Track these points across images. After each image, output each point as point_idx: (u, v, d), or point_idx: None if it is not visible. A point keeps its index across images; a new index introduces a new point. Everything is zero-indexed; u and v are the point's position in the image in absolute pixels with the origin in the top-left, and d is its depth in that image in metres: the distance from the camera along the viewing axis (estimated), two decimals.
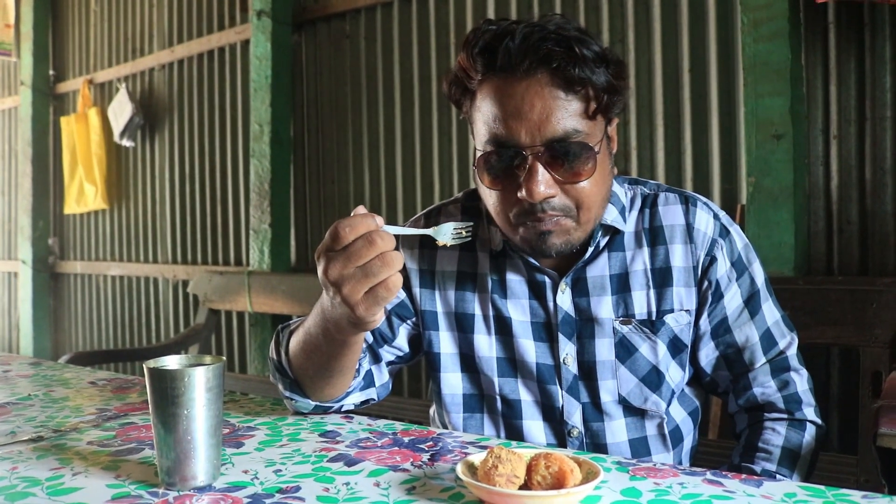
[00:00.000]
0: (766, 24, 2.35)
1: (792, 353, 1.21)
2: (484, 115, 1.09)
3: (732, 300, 1.19)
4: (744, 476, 0.89)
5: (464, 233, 0.94)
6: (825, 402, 2.44)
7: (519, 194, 1.07)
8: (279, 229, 3.93)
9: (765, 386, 1.20)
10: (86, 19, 5.37)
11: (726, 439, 2.22)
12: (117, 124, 4.78)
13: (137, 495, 0.86)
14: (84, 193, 5.16)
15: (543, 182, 1.05)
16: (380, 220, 0.88)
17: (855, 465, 2.02)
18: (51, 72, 5.62)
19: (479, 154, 1.12)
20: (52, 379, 1.59)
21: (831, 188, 2.44)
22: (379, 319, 0.93)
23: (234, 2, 4.26)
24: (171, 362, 0.93)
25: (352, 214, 0.89)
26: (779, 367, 1.20)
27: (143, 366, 0.90)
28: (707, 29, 2.69)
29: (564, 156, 1.06)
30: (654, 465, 0.94)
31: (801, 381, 1.20)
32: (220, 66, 4.37)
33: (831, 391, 2.44)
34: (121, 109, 4.77)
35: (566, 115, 1.05)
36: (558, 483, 0.80)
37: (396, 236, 0.91)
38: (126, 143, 4.81)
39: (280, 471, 0.94)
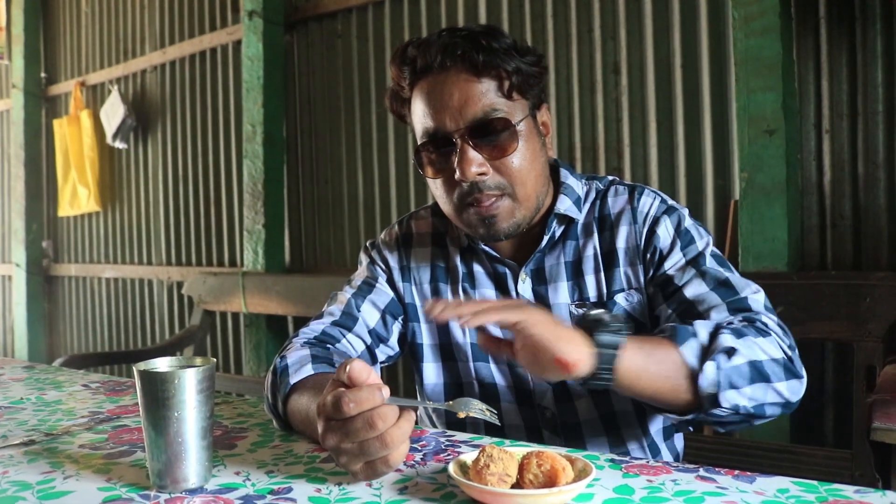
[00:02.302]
0: (758, 20, 2.35)
1: (757, 300, 1.11)
2: (417, 115, 1.20)
3: (676, 263, 1.17)
4: (736, 472, 0.88)
5: (487, 413, 0.94)
6: (819, 398, 2.45)
7: (455, 177, 1.14)
8: (273, 230, 3.93)
9: (726, 319, 1.07)
10: (77, 21, 5.35)
11: (721, 435, 2.22)
12: (110, 126, 4.77)
13: (129, 498, 0.85)
14: (77, 196, 5.15)
15: (474, 161, 1.13)
16: (386, 391, 0.85)
17: (849, 459, 2.03)
18: (42, 74, 5.61)
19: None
20: (45, 382, 1.58)
21: (824, 183, 2.44)
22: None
23: (226, 2, 4.25)
24: (161, 364, 0.92)
25: (348, 370, 0.85)
26: (740, 307, 1.09)
27: (133, 368, 0.89)
28: (698, 25, 2.69)
29: (488, 133, 1.14)
30: (647, 461, 0.94)
31: (771, 321, 1.07)
32: (212, 67, 4.36)
33: (825, 386, 2.45)
34: (113, 111, 4.76)
35: (482, 96, 1.14)
36: (550, 481, 0.80)
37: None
38: (119, 144, 4.80)
39: (272, 472, 0.93)
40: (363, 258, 1.40)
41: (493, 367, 1.27)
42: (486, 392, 1.27)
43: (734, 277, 1.14)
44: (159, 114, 4.69)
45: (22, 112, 5.52)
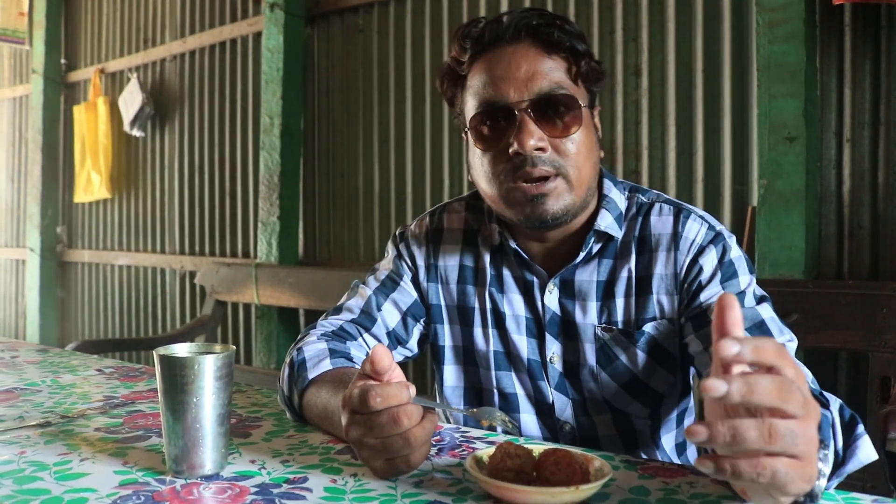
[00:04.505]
0: (782, 26, 2.34)
1: (791, 350, 1.05)
2: (474, 88, 1.14)
3: (712, 297, 1.12)
4: None
5: (509, 425, 0.93)
6: None
7: (510, 150, 1.09)
8: (288, 222, 3.94)
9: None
10: (98, 9, 5.38)
11: None
12: (128, 114, 4.79)
13: (145, 482, 0.86)
14: (91, 182, 5.18)
15: (534, 134, 1.08)
16: (412, 390, 0.85)
17: (862, 470, 2.01)
18: (63, 60, 5.64)
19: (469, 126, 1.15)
20: (60, 366, 1.59)
21: (843, 192, 2.42)
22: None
23: None
24: (181, 350, 0.93)
25: (370, 354, 0.85)
26: None
27: (154, 353, 0.89)
28: (721, 29, 2.68)
29: (552, 109, 1.09)
30: (664, 463, 0.94)
31: (806, 373, 1.01)
32: (232, 58, 4.38)
33: (838, 396, 2.43)
34: (131, 99, 4.78)
35: (550, 72, 1.10)
36: (567, 479, 0.79)
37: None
38: (136, 132, 4.82)
39: (287, 461, 0.94)
40: (390, 248, 1.35)
41: (514, 377, 1.24)
42: (506, 401, 1.24)
43: (770, 321, 1.08)
44: (177, 103, 4.71)
45: (41, 97, 5.55)
